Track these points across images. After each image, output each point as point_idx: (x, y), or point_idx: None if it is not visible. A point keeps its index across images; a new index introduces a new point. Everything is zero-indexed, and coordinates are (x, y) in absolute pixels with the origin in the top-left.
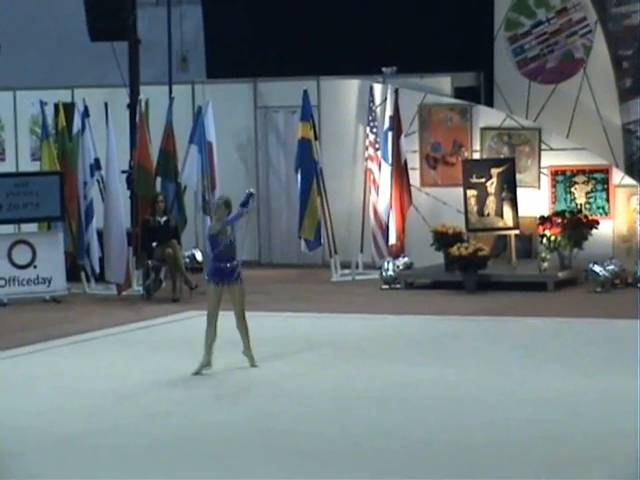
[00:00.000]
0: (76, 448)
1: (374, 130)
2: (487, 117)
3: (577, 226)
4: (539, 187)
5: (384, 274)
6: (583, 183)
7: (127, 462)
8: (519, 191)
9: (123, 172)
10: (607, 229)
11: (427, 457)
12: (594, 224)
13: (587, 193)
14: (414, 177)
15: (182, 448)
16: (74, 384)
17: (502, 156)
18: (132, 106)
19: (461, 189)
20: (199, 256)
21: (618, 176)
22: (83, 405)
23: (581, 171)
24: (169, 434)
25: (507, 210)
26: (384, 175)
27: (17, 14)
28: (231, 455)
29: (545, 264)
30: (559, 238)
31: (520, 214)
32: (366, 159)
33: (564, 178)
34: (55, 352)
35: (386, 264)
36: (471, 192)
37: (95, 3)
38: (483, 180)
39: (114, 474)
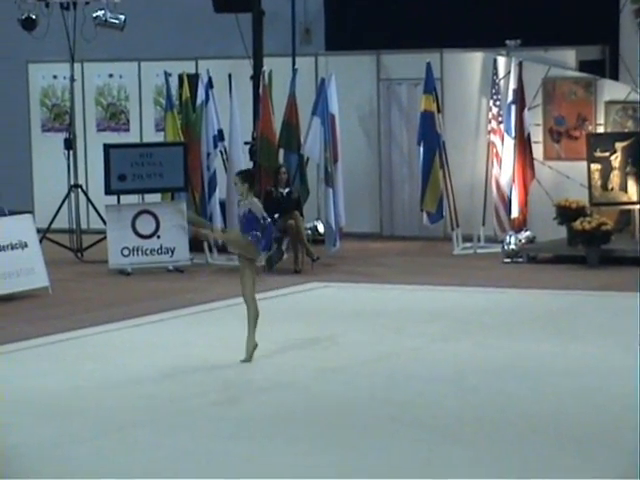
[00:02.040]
0: (197, 418)
1: (497, 103)
2: (612, 91)
3: None
4: None
5: (506, 247)
6: None
7: (248, 433)
8: None
9: (246, 143)
10: None
11: (549, 430)
12: None
13: None
14: (537, 150)
15: (303, 419)
16: (196, 354)
17: (627, 130)
18: (255, 77)
19: (585, 163)
20: (321, 228)
21: None
22: (206, 375)
23: None
24: (289, 405)
25: (631, 184)
26: (507, 148)
27: None
28: (349, 426)
29: None
30: None
31: None
32: (489, 132)
33: None
34: (178, 322)
35: (508, 238)
36: (595, 166)
37: None
38: (607, 154)
39: (235, 445)
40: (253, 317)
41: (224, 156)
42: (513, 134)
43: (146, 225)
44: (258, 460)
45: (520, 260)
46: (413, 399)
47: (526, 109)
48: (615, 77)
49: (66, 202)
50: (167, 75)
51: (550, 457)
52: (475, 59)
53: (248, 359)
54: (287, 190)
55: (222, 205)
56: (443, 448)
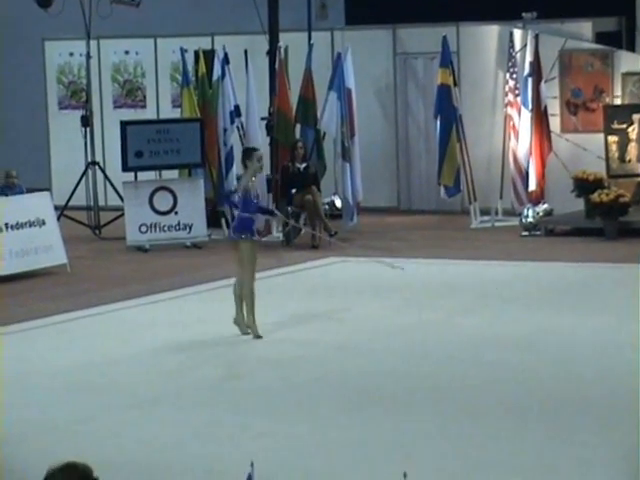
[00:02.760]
0: (216, 393)
1: (514, 76)
2: (629, 62)
3: None
4: None
5: (524, 220)
6: None
7: (267, 406)
8: None
9: (262, 119)
10: None
11: (569, 402)
12: None
13: None
14: (554, 123)
15: (321, 392)
16: (214, 329)
17: None
18: (272, 53)
19: (602, 135)
20: (338, 203)
21: None
22: (224, 350)
23: None
24: (307, 378)
25: None
26: (524, 121)
27: None
28: (367, 399)
29: None
30: None
31: None
32: (506, 105)
33: None
34: (196, 298)
35: (526, 210)
36: (612, 138)
37: None
38: (624, 126)
39: (254, 418)
40: (244, 295)
41: (241, 132)
42: (530, 107)
43: (163, 201)
44: (277, 433)
45: (538, 233)
46: (432, 372)
47: (543, 82)
48: (632, 48)
49: (83, 179)
50: (183, 51)
51: (569, 429)
52: (491, 32)
53: (257, 334)
54: (304, 165)
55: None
56: (461, 421)
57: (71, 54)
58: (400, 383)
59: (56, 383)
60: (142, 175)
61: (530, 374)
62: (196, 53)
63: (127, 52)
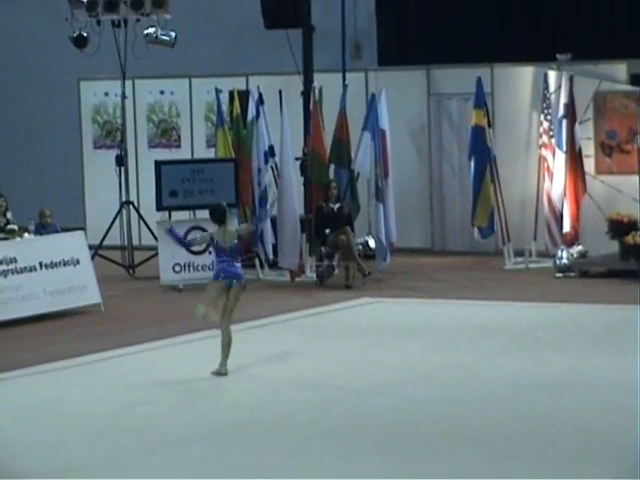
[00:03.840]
0: (249, 434)
1: (548, 117)
2: None
3: None
4: None
5: (558, 262)
6: None
7: (301, 448)
8: None
9: (297, 159)
10: None
11: (605, 446)
12: None
13: None
14: (589, 165)
15: (356, 435)
16: (248, 370)
17: None
18: (306, 93)
19: (637, 177)
20: (372, 243)
21: None
22: (257, 392)
23: None
24: (341, 421)
25: None
26: (558, 163)
27: (193, 3)
28: (402, 442)
29: None
30: None
31: None
32: (540, 146)
33: None
34: None
35: (560, 252)
36: None
37: None
38: None
39: (288, 460)
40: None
41: (275, 172)
42: (564, 148)
43: None
44: (312, 476)
45: (572, 275)
46: (467, 414)
47: (577, 123)
48: None
49: (118, 218)
50: (218, 91)
51: (605, 473)
52: (526, 73)
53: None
54: (338, 205)
55: (273, 221)
56: (498, 463)
57: (106, 94)
58: (435, 425)
59: (88, 423)
60: (176, 215)
61: (565, 416)
62: (231, 93)
63: (162, 92)
